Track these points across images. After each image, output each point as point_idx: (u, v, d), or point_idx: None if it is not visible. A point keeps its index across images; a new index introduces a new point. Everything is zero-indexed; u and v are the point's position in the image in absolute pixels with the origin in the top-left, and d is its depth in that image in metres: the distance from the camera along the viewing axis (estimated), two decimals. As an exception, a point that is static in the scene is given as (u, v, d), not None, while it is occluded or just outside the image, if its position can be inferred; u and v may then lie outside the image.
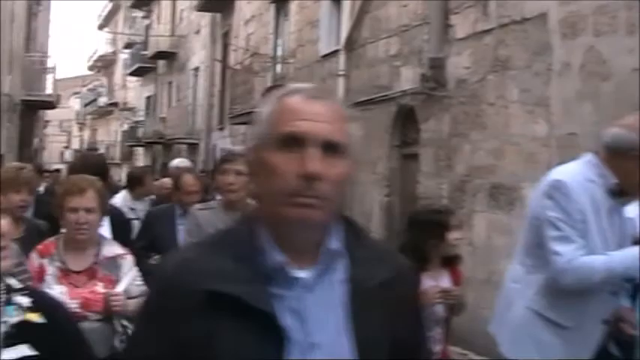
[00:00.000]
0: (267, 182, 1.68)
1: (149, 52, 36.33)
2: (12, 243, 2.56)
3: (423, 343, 2.02)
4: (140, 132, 38.72)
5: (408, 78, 11.23)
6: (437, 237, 4.44)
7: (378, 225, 11.95)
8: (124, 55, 46.72)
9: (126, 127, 44.14)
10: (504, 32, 9.01)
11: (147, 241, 6.05)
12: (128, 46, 43.89)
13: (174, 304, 1.66)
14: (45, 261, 3.86)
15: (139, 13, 42.76)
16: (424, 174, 10.74)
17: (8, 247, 1.78)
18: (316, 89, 1.76)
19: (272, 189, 1.66)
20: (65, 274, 3.85)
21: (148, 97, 40.31)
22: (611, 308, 3.63)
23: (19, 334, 1.78)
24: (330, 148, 1.67)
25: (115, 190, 8.25)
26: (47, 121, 52.08)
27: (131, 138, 39.89)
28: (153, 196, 8.74)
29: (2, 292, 1.87)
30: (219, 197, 6.53)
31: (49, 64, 31.14)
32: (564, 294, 3.54)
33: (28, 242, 4.01)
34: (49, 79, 29.86)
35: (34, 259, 3.86)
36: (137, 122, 40.91)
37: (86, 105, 64.13)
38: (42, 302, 1.92)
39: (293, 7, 17.67)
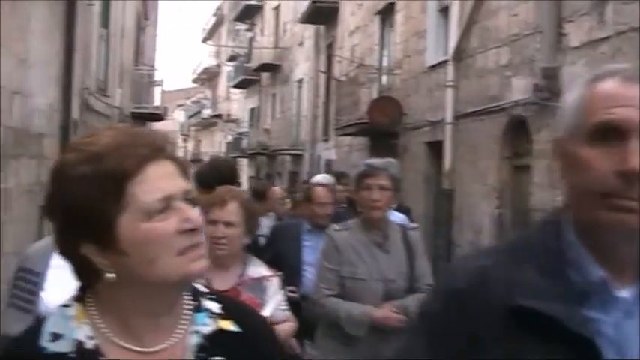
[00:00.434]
0: (578, 182, 1.41)
1: (253, 65, 36.79)
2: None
3: None
4: (244, 143, 39.24)
5: (520, 88, 11.05)
6: None
7: (489, 237, 11.78)
8: (227, 68, 47.47)
9: (230, 138, 44.79)
10: (621, 40, 8.76)
11: (269, 257, 5.63)
12: (232, 58, 44.60)
13: (471, 319, 1.41)
14: None
15: (242, 26, 43.41)
16: (537, 186, 10.52)
17: (203, 244, 1.52)
18: (635, 70, 1.45)
19: (585, 189, 1.39)
20: None
21: (252, 109, 40.82)
22: None
23: (212, 345, 1.56)
24: None
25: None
26: (153, 133, 53.12)
27: (235, 149, 40.38)
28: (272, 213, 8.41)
29: (190, 296, 1.62)
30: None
31: (156, 77, 31.85)
32: None
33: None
34: (156, 92, 30.54)
35: None
36: (241, 134, 41.47)
37: (190, 117, 65.42)
38: (234, 308, 1.65)
39: (399, 17, 17.61)
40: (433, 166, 14.78)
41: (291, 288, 5.26)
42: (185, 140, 70.00)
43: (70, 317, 1.55)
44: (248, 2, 39.28)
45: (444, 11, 14.78)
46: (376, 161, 4.42)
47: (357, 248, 4.33)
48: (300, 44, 29.28)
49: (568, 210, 1.47)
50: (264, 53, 35.15)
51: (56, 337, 1.52)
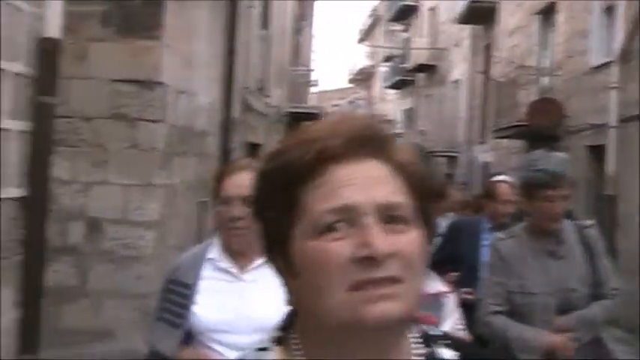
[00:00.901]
0: None
1: (408, 65, 36.73)
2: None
3: None
4: (399, 144, 39.23)
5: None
6: None
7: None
8: (383, 69, 47.60)
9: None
10: None
11: (444, 255, 5.39)
12: (387, 59, 44.70)
13: None
14: None
15: (398, 27, 43.42)
16: None
17: (391, 281, 1.09)
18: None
19: None
20: None
21: (406, 110, 40.75)
22: None
23: None
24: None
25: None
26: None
27: (389, 150, 40.33)
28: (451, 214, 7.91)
29: (419, 341, 1.24)
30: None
31: (312, 77, 32.32)
32: None
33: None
34: (312, 92, 30.98)
35: None
36: (396, 135, 41.44)
37: (345, 117, 65.92)
38: (474, 357, 1.27)
39: (560, 17, 17.18)
40: (594, 171, 14.32)
41: (467, 290, 4.96)
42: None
43: None
44: (404, 3, 39.23)
45: (609, 11, 14.31)
46: (555, 167, 3.81)
47: (524, 258, 3.95)
48: (457, 45, 29.04)
49: None
50: (420, 54, 35.05)
51: None
